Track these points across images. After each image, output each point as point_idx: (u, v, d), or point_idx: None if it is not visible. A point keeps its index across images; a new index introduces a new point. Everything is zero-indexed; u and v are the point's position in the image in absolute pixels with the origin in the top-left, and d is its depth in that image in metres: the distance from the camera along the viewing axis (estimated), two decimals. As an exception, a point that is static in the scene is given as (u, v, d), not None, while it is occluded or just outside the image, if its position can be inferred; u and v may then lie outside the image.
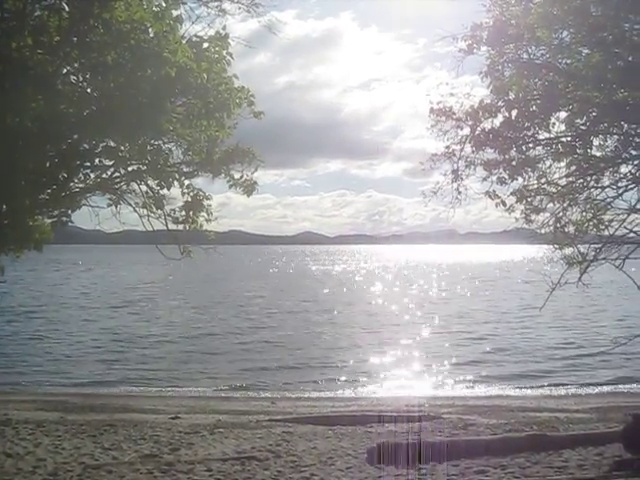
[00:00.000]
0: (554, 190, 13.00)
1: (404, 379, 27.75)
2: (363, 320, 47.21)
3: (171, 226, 11.74)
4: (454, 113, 12.52)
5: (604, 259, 12.48)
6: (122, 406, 20.53)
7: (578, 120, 12.14)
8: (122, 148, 10.73)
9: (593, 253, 12.68)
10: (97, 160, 10.93)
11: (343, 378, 27.89)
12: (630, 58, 10.34)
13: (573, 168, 12.82)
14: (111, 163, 11.04)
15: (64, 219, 10.87)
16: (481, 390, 25.68)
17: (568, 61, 11.18)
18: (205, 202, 11.51)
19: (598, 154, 12.73)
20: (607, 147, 12.63)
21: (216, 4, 10.10)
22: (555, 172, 12.93)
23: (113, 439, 14.59)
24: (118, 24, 9.05)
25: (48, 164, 10.27)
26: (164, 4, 9.82)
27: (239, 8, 10.11)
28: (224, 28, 10.51)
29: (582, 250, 13.03)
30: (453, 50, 11.86)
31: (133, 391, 25.14)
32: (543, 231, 13.26)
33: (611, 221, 12.76)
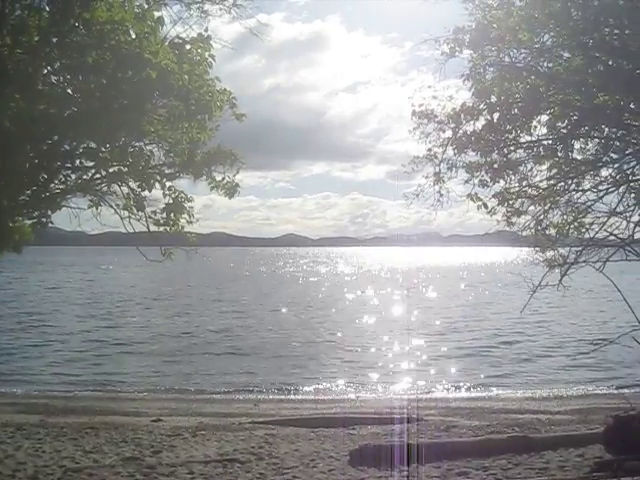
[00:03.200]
0: (535, 193, 13.07)
1: (387, 381, 27.74)
2: (345, 322, 47.18)
3: (153, 228, 11.69)
4: (436, 116, 12.56)
5: (585, 262, 12.55)
6: (103, 409, 20.41)
7: (559, 123, 12.20)
8: (103, 149, 10.67)
9: (574, 256, 12.74)
10: (78, 161, 10.87)
11: (326, 380, 27.86)
12: (610, 62, 10.40)
13: (554, 171, 12.89)
14: (92, 164, 10.97)
15: (44, 220, 10.79)
16: (463, 392, 25.70)
17: (549, 64, 11.24)
18: (187, 204, 11.47)
19: (579, 157, 12.84)
20: (588, 150, 12.73)
21: (197, 6, 10.07)
22: (536, 175, 13.02)
23: (94, 442, 14.51)
24: (99, 25, 9.00)
25: (28, 165, 10.19)
26: (146, 5, 9.78)
27: (220, 9, 10.09)
28: (206, 30, 10.49)
29: (563, 253, 13.10)
30: (436, 53, 11.90)
31: (115, 394, 24.96)
32: (524, 234, 13.33)
33: (592, 224, 12.85)
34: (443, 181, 12.88)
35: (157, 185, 11.22)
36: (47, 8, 9.37)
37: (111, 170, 11.14)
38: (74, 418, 18.12)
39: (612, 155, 12.39)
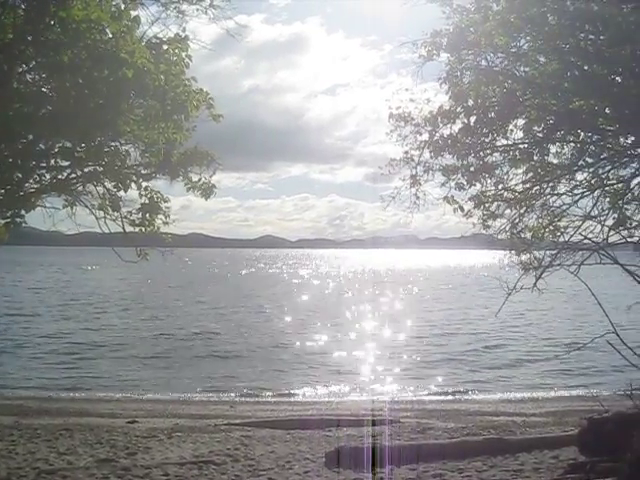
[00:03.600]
0: (511, 196, 13.13)
1: (363, 383, 27.80)
2: (320, 325, 47.20)
3: (128, 228, 11.63)
4: (413, 119, 12.58)
5: (559, 265, 12.63)
6: (78, 410, 20.31)
7: (535, 127, 12.26)
8: (78, 149, 10.58)
9: (549, 259, 12.81)
10: (53, 161, 10.78)
11: (302, 382, 27.87)
12: (586, 67, 10.47)
13: (530, 175, 12.95)
14: (67, 164, 10.89)
15: (18, 220, 10.70)
16: (439, 395, 25.83)
17: (526, 69, 11.28)
18: (163, 204, 11.42)
19: (555, 161, 12.90)
20: (564, 155, 12.79)
21: (174, 6, 10.04)
22: (512, 178, 13.07)
23: (69, 444, 14.43)
24: (75, 23, 8.91)
25: (2, 164, 10.10)
26: (122, 5, 9.72)
27: (197, 10, 10.06)
28: (184, 30, 10.46)
29: (538, 256, 13.17)
30: (415, 56, 11.91)
31: (90, 395, 24.81)
32: (500, 237, 13.40)
33: (567, 227, 12.93)
34: (420, 184, 12.89)
35: (133, 185, 11.17)
36: (22, 6, 9.30)
37: (86, 170, 11.07)
38: (48, 419, 18.01)
39: (587, 159, 12.48)
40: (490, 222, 13.28)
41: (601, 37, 10.02)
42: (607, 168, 12.42)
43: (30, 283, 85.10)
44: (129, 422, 17.97)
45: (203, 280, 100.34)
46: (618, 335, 11.18)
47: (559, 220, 13.07)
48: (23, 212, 10.67)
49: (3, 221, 10.85)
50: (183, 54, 10.34)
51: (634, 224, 12.61)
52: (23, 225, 10.79)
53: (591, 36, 10.11)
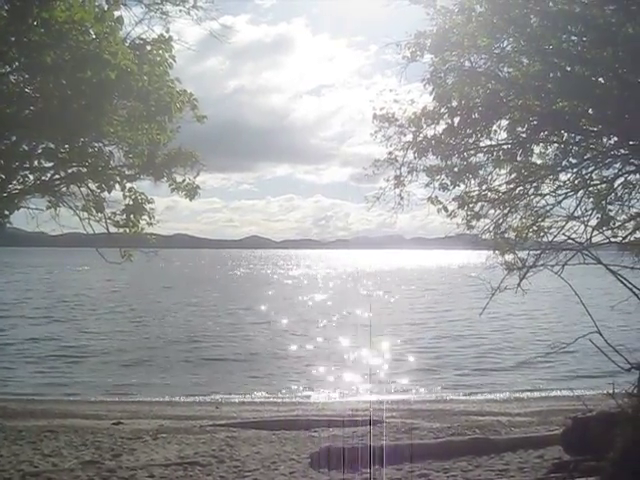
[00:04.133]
0: (495, 196, 13.17)
1: (348, 384, 27.81)
2: (306, 325, 47.20)
3: (112, 229, 11.60)
4: (397, 119, 12.60)
5: (543, 265, 12.68)
6: (63, 412, 20.24)
7: (519, 128, 12.29)
8: (62, 150, 10.55)
9: (532, 259, 12.87)
10: (36, 161, 10.74)
11: (287, 383, 27.87)
12: (568, 68, 10.52)
13: (514, 175, 12.99)
14: (51, 165, 10.85)
15: (2, 221, 10.66)
16: (424, 395, 25.89)
17: (509, 70, 11.32)
18: (147, 205, 11.38)
19: (538, 162, 12.95)
20: (547, 155, 12.84)
21: (157, 7, 10.02)
22: (496, 179, 13.10)
23: (53, 445, 14.40)
24: (58, 24, 8.87)
25: (-15, 165, 10.06)
26: (105, 5, 9.68)
27: (180, 11, 10.04)
28: (167, 31, 10.43)
29: (522, 256, 13.22)
30: (399, 57, 11.92)
31: (74, 396, 24.71)
32: (484, 237, 13.44)
33: (550, 228, 12.98)
34: (404, 184, 12.92)
35: (117, 186, 11.13)
36: (5, 7, 9.25)
37: (70, 171, 11.03)
38: (33, 421, 17.95)
39: (571, 160, 12.52)
40: (474, 222, 13.32)
41: (583, 38, 10.08)
42: (590, 168, 12.47)
43: (20, 284, 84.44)
44: (114, 424, 17.93)
45: (191, 281, 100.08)
46: (602, 335, 11.24)
47: (543, 220, 13.12)
48: (7, 213, 10.63)
49: (-14, 222, 10.82)
50: (167, 55, 10.31)
51: (617, 224, 12.70)
52: (7, 226, 10.76)
53: (573, 37, 10.16)
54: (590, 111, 11.41)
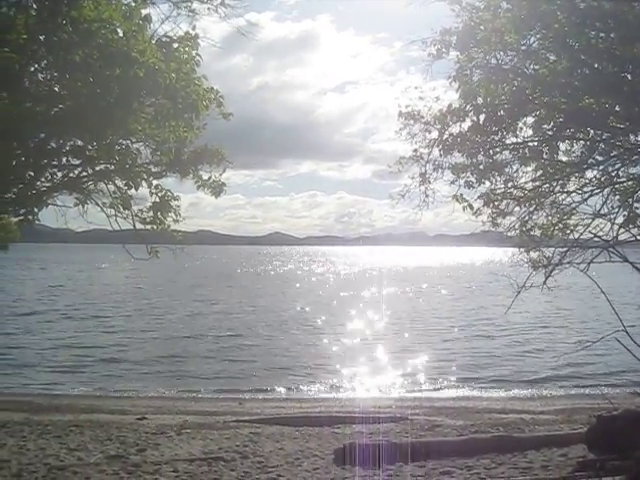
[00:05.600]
0: (521, 194, 13.13)
1: (371, 381, 27.80)
2: (329, 322, 47.20)
3: (139, 226, 11.67)
4: (422, 117, 12.59)
5: (569, 263, 12.63)
6: (88, 407, 20.41)
7: (545, 125, 12.25)
8: (90, 147, 10.62)
9: (558, 257, 12.82)
10: (64, 159, 10.80)
11: (311, 379, 27.90)
12: (596, 65, 10.45)
13: (539, 173, 12.95)
14: (78, 162, 10.92)
15: (30, 218, 10.78)
16: (448, 392, 25.83)
17: (535, 67, 11.25)
18: (173, 203, 11.43)
19: (564, 159, 12.90)
20: (573, 152, 12.80)
21: (185, 5, 10.05)
22: (522, 176, 13.07)
23: (79, 440, 14.52)
24: (86, 23, 8.93)
25: (15, 162, 10.15)
26: (133, 3, 9.74)
27: (208, 9, 10.07)
28: (194, 28, 10.46)
29: (547, 254, 13.17)
30: (424, 54, 11.90)
31: (99, 392, 24.92)
32: (510, 234, 13.40)
33: (576, 225, 12.94)
34: (429, 182, 12.92)
35: (144, 184, 11.19)
36: (34, 6, 9.33)
37: (98, 168, 11.11)
38: (59, 416, 18.11)
39: (597, 157, 12.46)
40: (499, 220, 13.30)
41: (612, 35, 10.00)
42: (617, 166, 12.41)
43: (50, 281, 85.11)
44: (138, 419, 18.05)
45: (219, 278, 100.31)
46: (628, 333, 11.18)
47: (569, 218, 13.08)
48: (36, 209, 10.75)
49: (15, 219, 10.95)
50: (193, 52, 10.35)
51: (644, 222, 12.60)
52: (36, 223, 10.89)
53: (601, 34, 10.08)
54: (617, 108, 11.35)
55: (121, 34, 9.54)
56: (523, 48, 11.02)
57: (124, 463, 12.49)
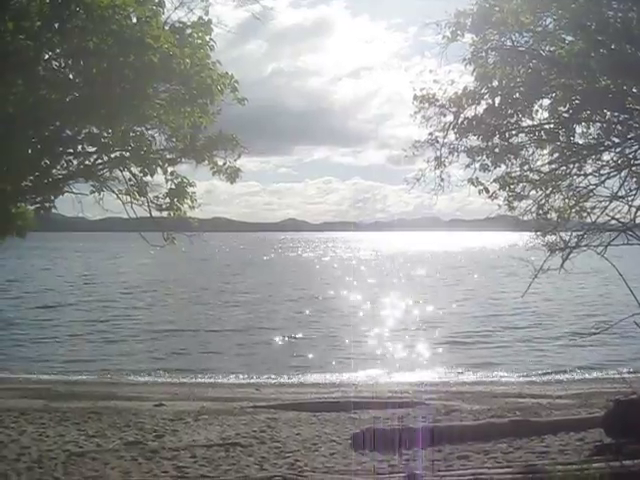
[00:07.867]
0: (537, 177, 13.03)
1: (388, 365, 27.81)
2: (347, 308, 47.14)
3: (155, 213, 11.70)
4: (437, 100, 12.50)
5: (586, 246, 12.54)
6: (106, 394, 20.52)
7: (561, 107, 12.14)
8: (105, 134, 10.66)
9: (575, 240, 12.72)
10: (80, 146, 10.85)
11: (327, 364, 27.95)
12: (613, 46, 10.34)
13: (556, 155, 12.85)
14: (94, 150, 10.96)
15: (47, 205, 10.82)
16: (464, 376, 25.80)
17: (551, 48, 11.15)
18: (189, 189, 11.46)
19: (581, 141, 12.76)
20: (590, 135, 12.66)
21: (199, -11, 10.04)
22: (538, 159, 12.97)
23: (97, 426, 14.60)
24: (100, 9, 8.94)
25: (30, 150, 10.18)
26: (147, -11, 9.74)
27: (222, -6, 10.07)
28: (207, 14, 10.45)
29: (564, 237, 13.07)
30: (438, 38, 11.82)
31: (117, 379, 25.07)
32: (526, 218, 13.30)
33: (593, 208, 12.81)
34: (444, 165, 12.83)
35: (159, 170, 11.21)
36: (48, -7, 9.35)
37: (113, 155, 11.15)
38: (77, 403, 18.21)
39: (614, 139, 12.33)
40: (515, 203, 13.20)
41: (629, 14, 9.89)
42: (634, 147, 12.26)
43: (76, 271, 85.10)
44: (156, 405, 18.14)
45: (242, 264, 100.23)
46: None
47: (585, 201, 12.95)
48: (52, 197, 10.79)
49: (32, 207, 10.99)
50: (207, 37, 10.34)
51: (662, 204, 12.49)
52: (52, 211, 10.94)
53: (619, 13, 9.97)
54: (635, 89, 11.23)
55: (135, 20, 9.54)
56: (539, 29, 10.93)
57: (142, 449, 12.55)
